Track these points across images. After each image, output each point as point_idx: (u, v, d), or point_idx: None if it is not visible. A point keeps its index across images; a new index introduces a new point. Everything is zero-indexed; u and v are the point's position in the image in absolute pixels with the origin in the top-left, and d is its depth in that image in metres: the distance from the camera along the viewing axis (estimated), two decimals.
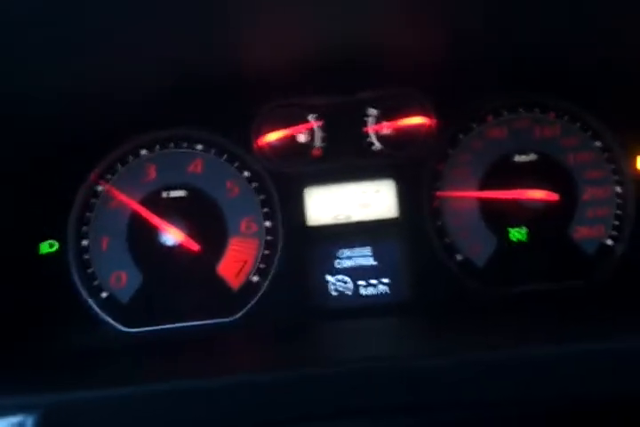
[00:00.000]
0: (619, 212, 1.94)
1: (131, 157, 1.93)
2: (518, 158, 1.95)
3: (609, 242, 1.93)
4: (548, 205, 1.90)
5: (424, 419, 1.32)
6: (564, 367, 1.29)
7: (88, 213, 1.90)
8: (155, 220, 1.87)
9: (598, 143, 1.96)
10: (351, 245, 1.91)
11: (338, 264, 1.91)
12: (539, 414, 1.38)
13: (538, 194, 1.90)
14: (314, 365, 1.35)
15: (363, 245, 1.91)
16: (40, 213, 1.85)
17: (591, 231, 1.94)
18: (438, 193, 1.94)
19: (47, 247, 1.86)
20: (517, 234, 1.92)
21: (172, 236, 1.87)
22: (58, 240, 1.87)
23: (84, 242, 1.90)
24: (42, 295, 1.82)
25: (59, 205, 1.88)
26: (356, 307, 1.89)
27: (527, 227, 1.93)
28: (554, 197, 1.90)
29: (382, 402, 1.29)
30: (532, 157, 1.95)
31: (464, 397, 1.29)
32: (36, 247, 1.85)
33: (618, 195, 1.95)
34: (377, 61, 1.78)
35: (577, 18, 1.56)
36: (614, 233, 1.93)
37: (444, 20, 1.58)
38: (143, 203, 1.90)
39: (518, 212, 1.92)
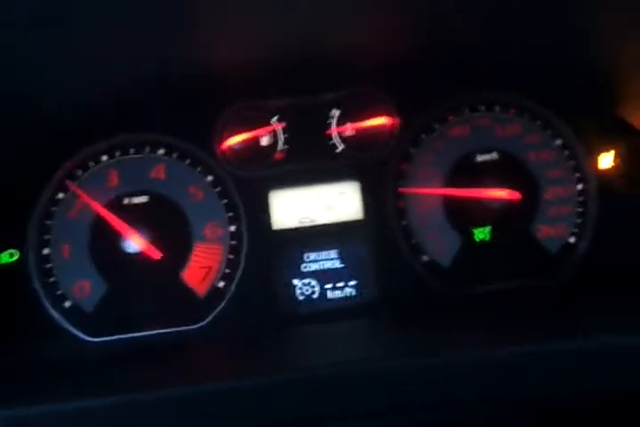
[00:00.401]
0: (580, 210, 1.95)
1: (92, 164, 1.90)
2: (480, 157, 1.95)
3: (572, 240, 1.94)
4: (510, 204, 1.91)
5: (397, 421, 1.32)
6: (527, 367, 1.30)
7: (48, 222, 1.87)
8: (117, 226, 1.84)
9: (559, 141, 1.97)
10: (317, 249, 1.90)
11: (304, 268, 1.90)
12: (508, 414, 1.39)
13: (500, 193, 1.90)
14: (282, 371, 1.34)
15: (328, 247, 1.91)
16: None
17: (554, 230, 1.95)
18: (401, 189, 1.93)
19: (7, 257, 1.82)
20: (481, 234, 1.93)
21: (134, 243, 1.84)
22: (18, 249, 1.84)
23: (46, 250, 1.87)
24: (3, 307, 1.79)
25: (18, 213, 1.85)
26: (323, 310, 1.89)
27: (491, 226, 1.93)
28: (516, 195, 1.90)
29: (355, 406, 1.29)
30: (493, 155, 1.95)
31: (435, 398, 1.29)
32: None
33: (579, 193, 1.95)
34: (338, 62, 1.77)
35: (539, 16, 1.56)
36: (577, 231, 1.94)
37: (402, 19, 1.58)
38: (105, 209, 1.86)
39: (482, 211, 1.92)
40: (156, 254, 1.84)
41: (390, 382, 1.29)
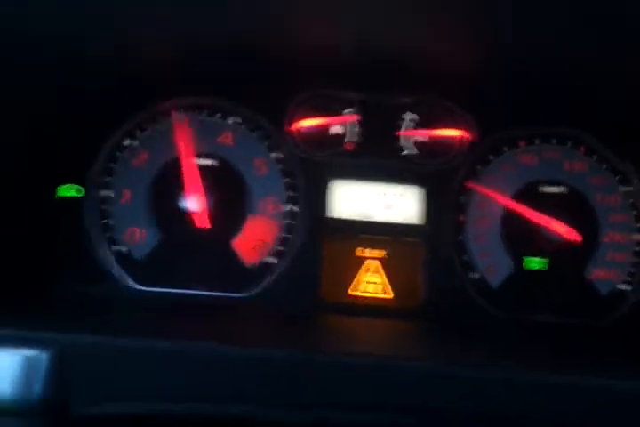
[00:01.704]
0: (637, 259, 1.91)
1: (163, 119, 1.91)
2: (546, 189, 1.93)
3: (623, 287, 1.90)
4: (568, 240, 1.88)
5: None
6: (540, 397, 1.25)
7: (112, 164, 1.89)
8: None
9: (626, 188, 1.94)
10: (368, 245, 1.89)
11: (352, 261, 1.88)
12: None
13: (562, 229, 1.87)
14: (306, 351, 1.31)
15: (380, 246, 1.89)
16: (65, 157, 1.83)
17: (607, 274, 1.91)
18: (470, 184, 1.93)
19: (67, 191, 1.83)
20: (533, 263, 1.89)
21: (192, 202, 1.84)
22: (79, 186, 1.85)
23: (106, 192, 1.88)
24: (56, 240, 1.81)
25: (85, 151, 1.86)
26: (364, 305, 1.87)
27: (544, 258, 1.89)
28: (577, 237, 1.88)
29: (369, 399, 1.26)
30: (560, 189, 1.93)
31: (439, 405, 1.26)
32: (56, 190, 1.82)
33: (638, 242, 1.92)
34: (421, 68, 1.78)
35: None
36: (629, 279, 1.90)
37: (492, 39, 1.59)
38: (170, 165, 1.88)
39: (539, 241, 1.89)
40: (206, 222, 1.85)
41: (403, 383, 1.26)
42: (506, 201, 1.91)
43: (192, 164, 1.87)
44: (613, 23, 1.39)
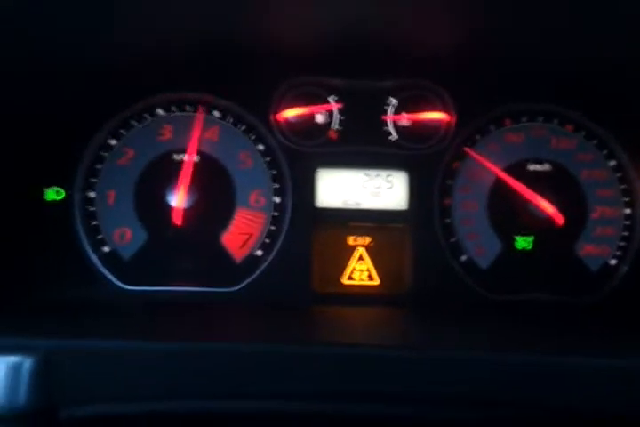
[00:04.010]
0: (626, 233, 1.92)
1: (147, 115, 1.90)
2: (533, 167, 1.94)
3: (613, 262, 1.92)
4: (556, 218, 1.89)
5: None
6: (523, 376, 1.26)
7: (98, 165, 1.88)
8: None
9: (613, 162, 1.95)
10: (357, 232, 1.90)
11: (341, 250, 1.89)
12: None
13: (548, 207, 1.88)
14: (294, 342, 1.32)
15: (368, 233, 1.90)
16: (50, 159, 1.82)
17: (596, 249, 1.93)
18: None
19: (53, 194, 1.83)
20: (523, 242, 1.91)
21: (179, 201, 1.84)
22: (65, 188, 1.84)
23: (92, 194, 1.87)
24: (43, 243, 1.81)
25: (69, 153, 1.85)
26: (351, 294, 1.88)
27: (534, 236, 1.91)
28: (560, 219, 1.89)
29: (356, 387, 1.27)
30: (546, 167, 1.93)
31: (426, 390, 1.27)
32: (42, 193, 1.82)
33: (626, 216, 1.93)
34: (404, 51, 1.78)
35: (613, 37, 1.57)
36: (619, 253, 1.92)
37: (474, 19, 1.58)
38: (155, 162, 1.88)
39: (527, 220, 1.90)
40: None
41: (390, 371, 1.27)
42: (499, 173, 1.92)
43: (178, 160, 1.87)
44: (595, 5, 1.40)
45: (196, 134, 1.87)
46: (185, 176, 1.84)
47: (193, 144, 1.87)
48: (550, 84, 1.92)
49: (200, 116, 1.90)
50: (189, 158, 1.86)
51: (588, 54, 1.71)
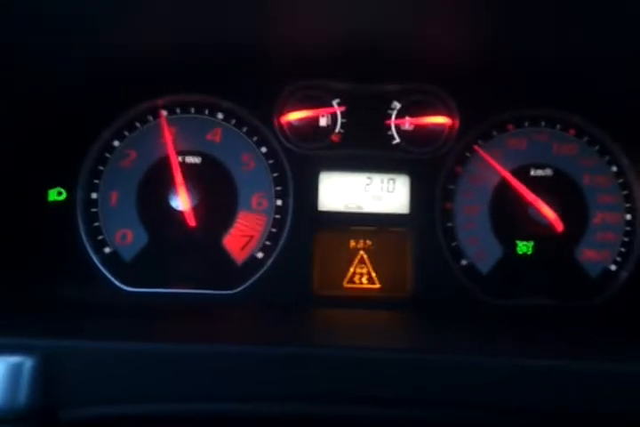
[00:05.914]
0: (626, 239, 1.93)
1: (151, 117, 1.90)
2: (534, 172, 1.94)
3: (613, 267, 1.92)
4: (557, 223, 1.89)
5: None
6: (522, 381, 1.26)
7: (101, 167, 1.88)
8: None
9: (614, 168, 1.95)
10: (358, 236, 1.90)
11: (342, 253, 1.89)
12: None
13: (550, 213, 1.88)
14: (292, 344, 1.32)
15: (370, 236, 1.90)
16: (53, 160, 1.83)
17: (596, 255, 1.93)
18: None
19: (55, 195, 1.83)
20: (524, 247, 1.91)
21: (180, 201, 1.83)
22: (67, 189, 1.84)
23: (94, 195, 1.87)
24: (45, 243, 1.81)
25: (72, 154, 1.86)
26: (352, 298, 1.88)
27: (534, 241, 1.91)
28: (559, 226, 1.89)
29: (356, 390, 1.26)
30: (548, 172, 1.94)
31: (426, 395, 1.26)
32: (45, 194, 1.83)
33: (627, 222, 1.93)
34: (408, 56, 1.79)
35: (616, 40, 1.57)
36: (619, 259, 1.92)
37: (478, 25, 1.59)
38: (158, 164, 1.88)
39: (528, 225, 1.90)
40: (195, 221, 1.85)
41: (390, 374, 1.27)
42: (504, 173, 1.92)
43: (180, 162, 1.87)
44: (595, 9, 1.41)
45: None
46: (179, 177, 1.84)
47: (177, 148, 1.88)
48: (553, 89, 1.92)
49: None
50: (181, 160, 1.88)
51: (590, 58, 1.72)
